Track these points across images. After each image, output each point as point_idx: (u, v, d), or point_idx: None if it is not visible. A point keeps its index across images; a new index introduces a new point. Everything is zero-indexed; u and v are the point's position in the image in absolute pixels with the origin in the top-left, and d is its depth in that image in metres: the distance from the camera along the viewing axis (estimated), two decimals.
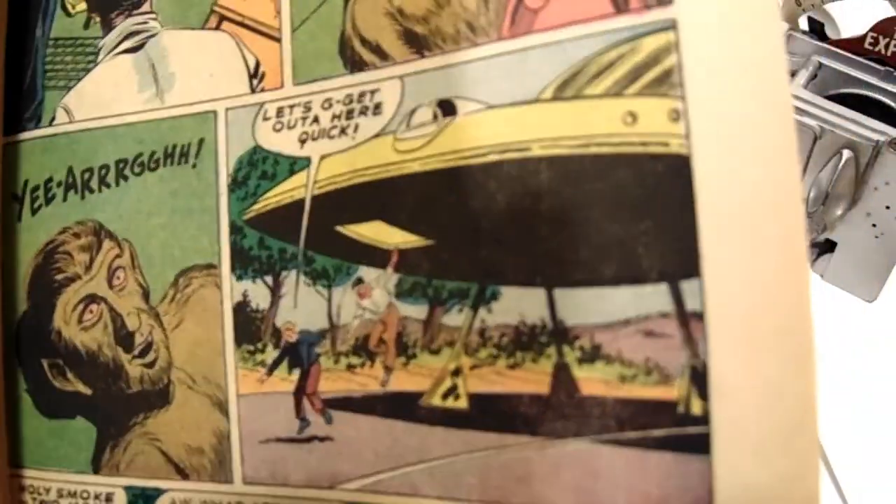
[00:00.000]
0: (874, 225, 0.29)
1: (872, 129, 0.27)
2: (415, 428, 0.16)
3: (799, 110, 0.27)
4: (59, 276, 0.20)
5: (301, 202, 0.17)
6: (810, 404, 0.13)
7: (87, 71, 0.20)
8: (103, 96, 0.20)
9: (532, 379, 0.15)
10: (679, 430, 0.13)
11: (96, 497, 0.19)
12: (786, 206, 0.13)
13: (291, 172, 0.17)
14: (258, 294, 0.18)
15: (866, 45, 0.29)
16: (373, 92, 0.17)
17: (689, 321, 0.13)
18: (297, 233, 0.17)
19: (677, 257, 0.14)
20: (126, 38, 0.19)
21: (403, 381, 0.16)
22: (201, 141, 0.18)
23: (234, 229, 0.18)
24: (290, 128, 0.17)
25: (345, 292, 0.17)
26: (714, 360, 0.13)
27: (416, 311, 0.16)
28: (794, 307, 0.13)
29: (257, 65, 0.18)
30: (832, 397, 0.28)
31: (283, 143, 0.17)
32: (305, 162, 0.17)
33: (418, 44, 0.16)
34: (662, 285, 0.14)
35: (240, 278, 0.18)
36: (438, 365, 0.16)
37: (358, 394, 0.16)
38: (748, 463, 0.13)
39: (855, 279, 0.31)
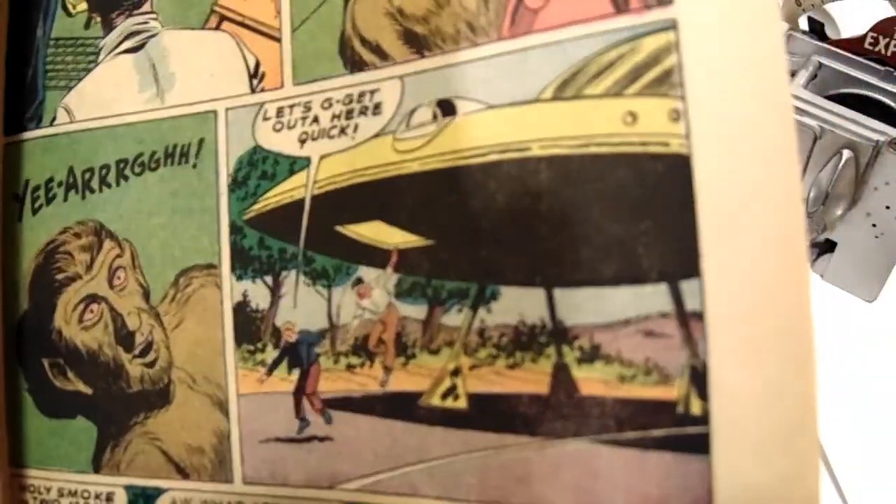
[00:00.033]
0: (874, 225, 0.29)
1: (872, 129, 0.27)
2: (414, 428, 0.16)
3: (799, 110, 0.27)
4: (60, 276, 0.20)
5: (301, 202, 0.17)
6: (810, 404, 0.13)
7: (88, 71, 0.20)
8: (104, 96, 0.20)
9: (531, 379, 0.15)
10: (678, 430, 0.14)
11: (97, 496, 0.19)
12: (786, 206, 0.13)
13: (291, 172, 0.17)
14: (258, 294, 0.18)
15: (866, 45, 0.29)
16: (372, 92, 0.17)
17: (689, 321, 0.13)
18: (296, 233, 0.17)
19: (677, 257, 0.14)
20: (126, 37, 0.19)
21: (403, 381, 0.16)
22: (201, 141, 0.18)
23: (235, 229, 0.18)
24: (289, 128, 0.17)
25: (344, 292, 0.17)
26: (714, 360, 0.13)
27: (416, 311, 0.16)
28: (794, 307, 0.13)
29: (257, 65, 0.18)
30: (832, 397, 0.28)
31: (283, 143, 0.17)
32: (305, 162, 0.17)
33: (418, 44, 0.16)
34: (662, 285, 0.14)
35: (240, 278, 0.18)
36: (438, 365, 0.16)
37: (357, 394, 0.16)
38: (748, 463, 0.13)
39: (855, 279, 0.31)
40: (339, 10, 0.17)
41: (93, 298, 0.19)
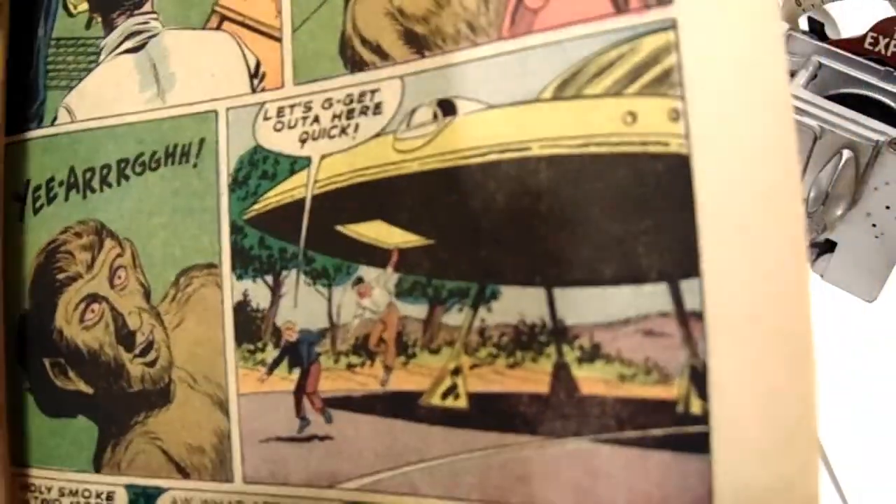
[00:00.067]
0: (874, 225, 0.29)
1: (872, 129, 0.27)
2: (414, 427, 0.16)
3: (799, 110, 0.27)
4: (61, 276, 0.20)
5: (301, 202, 0.17)
6: (810, 404, 0.13)
7: (89, 71, 0.20)
8: (105, 96, 0.20)
9: (532, 378, 0.15)
10: (678, 429, 0.14)
11: (98, 496, 0.19)
12: (785, 206, 0.13)
13: (292, 172, 0.17)
14: (258, 293, 0.18)
15: (866, 45, 0.29)
16: (373, 92, 0.17)
17: (689, 321, 0.13)
18: (297, 232, 0.17)
19: (677, 257, 0.14)
20: (127, 37, 0.20)
21: (403, 381, 0.16)
22: (202, 140, 0.18)
23: (235, 229, 0.18)
24: (290, 127, 0.17)
25: (345, 292, 0.17)
26: (713, 359, 0.13)
27: (416, 310, 0.16)
28: (794, 307, 0.13)
29: (258, 65, 0.18)
30: (832, 397, 0.28)
31: (284, 143, 0.17)
32: (306, 161, 0.17)
33: (418, 44, 0.16)
34: (662, 285, 0.14)
35: (240, 278, 0.18)
36: (438, 364, 0.16)
37: (358, 393, 0.16)
38: (748, 462, 0.13)
39: (855, 279, 0.31)
40: (340, 10, 0.17)
41: (94, 298, 0.20)
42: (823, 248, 0.31)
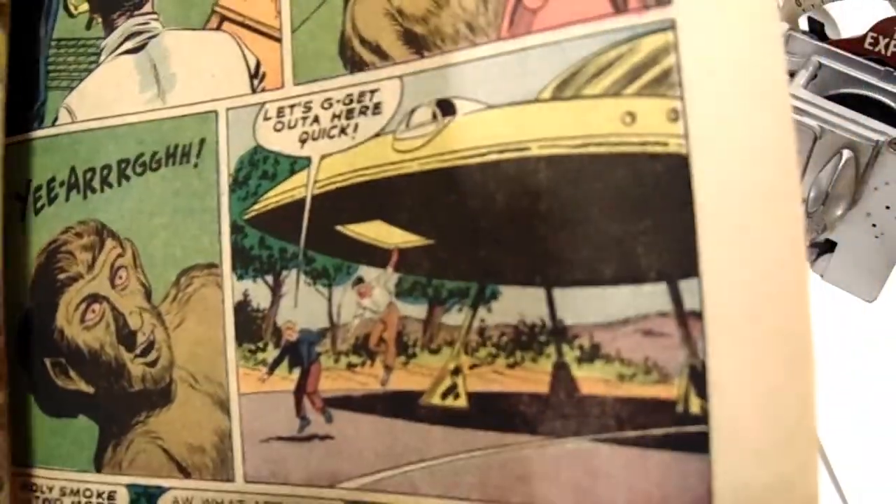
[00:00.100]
0: (874, 225, 0.29)
1: (872, 129, 0.27)
2: (415, 427, 0.16)
3: (799, 110, 0.27)
4: (62, 276, 0.20)
5: (301, 202, 0.17)
6: (809, 404, 0.13)
7: (90, 71, 0.20)
8: (105, 96, 0.20)
9: (531, 378, 0.15)
10: (678, 429, 0.14)
11: (99, 495, 0.19)
12: (785, 206, 0.13)
13: (292, 172, 0.17)
14: (259, 293, 0.18)
15: (866, 45, 0.29)
16: (372, 92, 0.17)
17: (688, 320, 0.13)
18: (297, 232, 0.17)
19: (676, 257, 0.14)
20: (128, 38, 0.20)
21: (403, 381, 0.16)
22: (202, 141, 0.18)
23: (235, 229, 0.18)
24: (290, 128, 0.17)
25: (345, 291, 0.17)
26: (713, 359, 0.13)
27: (416, 310, 0.16)
28: (793, 307, 0.13)
29: (258, 65, 0.18)
30: (832, 397, 0.28)
31: (284, 143, 0.18)
32: (306, 162, 0.17)
33: (418, 44, 0.16)
34: (661, 285, 0.14)
35: (241, 278, 0.18)
36: (438, 364, 0.16)
37: (358, 393, 0.17)
38: (747, 462, 0.13)
39: (855, 279, 0.31)
40: (339, 10, 0.17)
41: (94, 298, 0.20)
42: (823, 248, 0.31)
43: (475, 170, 0.15)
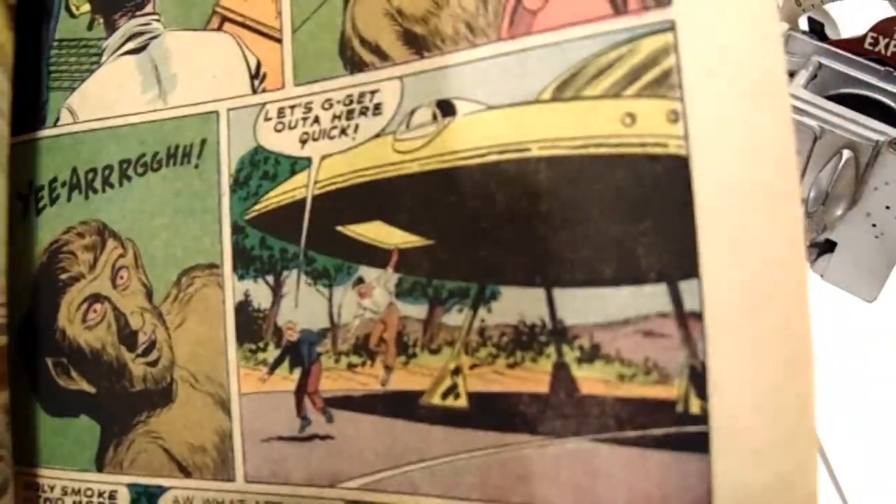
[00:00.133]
0: (874, 225, 0.29)
1: (872, 129, 0.27)
2: (415, 427, 0.16)
3: (799, 110, 0.27)
4: (64, 276, 0.20)
5: (302, 202, 0.17)
6: (808, 404, 0.13)
7: (91, 72, 0.20)
8: (107, 97, 0.20)
9: (531, 378, 0.15)
10: (678, 429, 0.14)
11: (100, 494, 0.19)
12: (784, 207, 0.13)
13: (292, 172, 0.17)
14: (260, 293, 0.18)
15: (866, 45, 0.29)
16: (373, 92, 0.17)
17: (688, 321, 0.14)
18: (298, 233, 0.17)
19: (676, 258, 0.14)
20: (129, 39, 0.20)
21: (404, 381, 0.16)
22: (203, 141, 0.18)
23: (236, 229, 0.18)
24: (291, 128, 0.17)
25: (345, 292, 0.17)
26: (712, 359, 0.13)
27: (417, 310, 0.16)
28: (793, 307, 0.13)
29: (259, 65, 0.18)
30: (832, 397, 0.28)
31: (285, 144, 0.18)
32: (306, 162, 0.17)
33: (418, 44, 0.16)
34: (661, 286, 0.14)
35: (241, 278, 0.18)
36: (438, 364, 0.16)
37: (358, 393, 0.17)
38: (747, 462, 0.13)
39: (855, 279, 0.31)
40: (339, 10, 0.17)
41: (96, 298, 0.20)
42: (823, 248, 0.31)
43: (475, 170, 0.15)
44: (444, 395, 0.16)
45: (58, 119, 0.20)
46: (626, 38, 0.14)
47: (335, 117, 0.17)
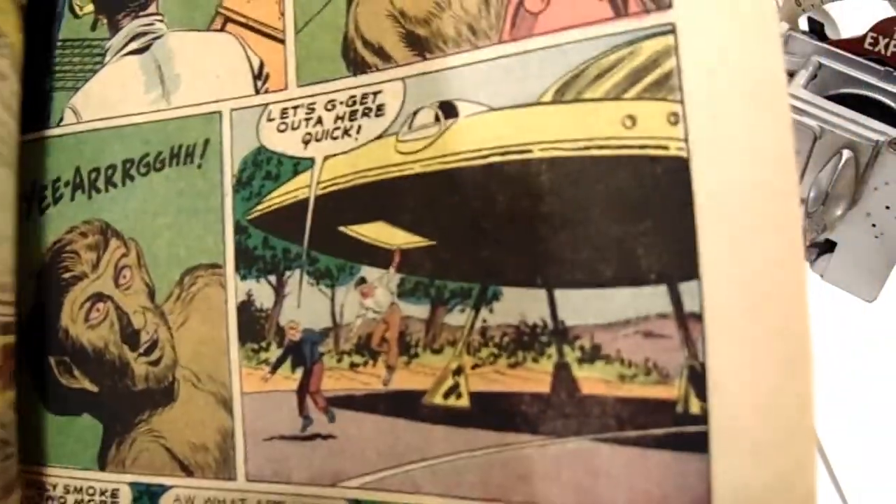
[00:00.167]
0: (874, 225, 0.29)
1: (872, 129, 0.27)
2: (417, 426, 0.16)
3: (799, 110, 0.27)
4: (67, 275, 0.20)
5: (305, 202, 0.17)
6: (807, 404, 0.13)
7: (95, 72, 0.20)
8: (110, 97, 0.20)
9: (533, 378, 0.15)
10: (678, 429, 0.14)
11: (102, 493, 0.19)
12: (783, 209, 0.13)
13: (295, 173, 0.17)
14: (262, 293, 0.18)
15: (866, 46, 0.29)
16: (375, 94, 0.17)
17: (688, 322, 0.14)
18: (300, 233, 0.17)
19: (676, 259, 0.14)
20: (132, 39, 0.20)
21: (406, 380, 0.16)
22: (206, 141, 0.18)
23: (239, 229, 0.18)
24: (293, 129, 0.18)
25: (348, 292, 0.17)
26: (712, 360, 0.13)
27: (419, 310, 0.16)
28: (792, 308, 0.13)
29: (262, 66, 0.18)
30: (832, 397, 0.28)
31: (287, 144, 0.18)
32: (309, 163, 0.17)
33: (420, 46, 0.16)
34: (661, 287, 0.14)
35: (244, 278, 0.18)
36: (440, 364, 0.16)
37: (360, 392, 0.17)
38: (746, 462, 0.13)
39: (855, 279, 0.31)
40: (342, 11, 0.17)
41: (99, 297, 0.20)
42: (823, 248, 0.31)
43: (477, 171, 0.15)
44: (446, 395, 0.16)
45: (61, 119, 0.20)
46: (627, 40, 0.14)
47: (338, 118, 0.17)
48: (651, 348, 0.14)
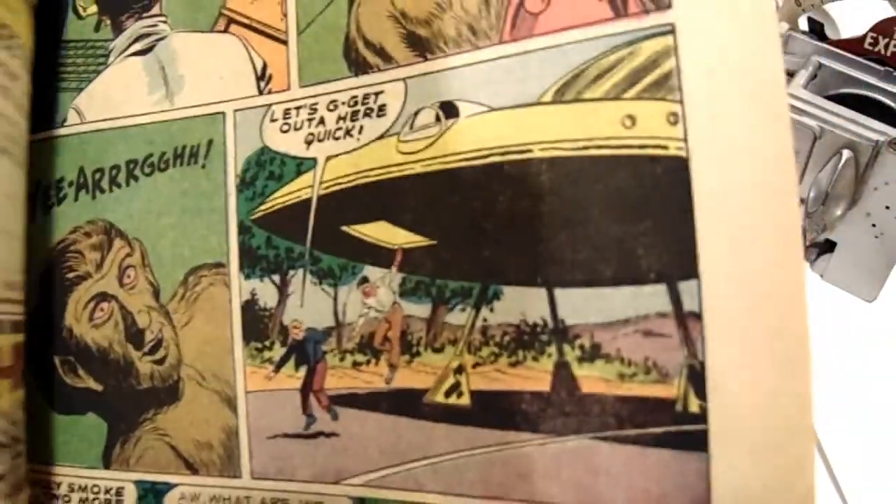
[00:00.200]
0: (874, 225, 0.29)
1: (872, 129, 0.27)
2: (418, 425, 0.16)
3: (798, 110, 0.28)
4: (71, 275, 0.20)
5: (307, 202, 0.17)
6: (806, 403, 0.13)
7: (98, 73, 0.20)
8: (114, 98, 0.20)
9: (533, 377, 0.15)
10: (677, 427, 0.14)
11: (107, 491, 0.20)
12: (782, 209, 0.13)
13: (298, 173, 0.18)
14: (266, 293, 0.18)
15: (866, 46, 0.29)
16: (377, 94, 0.17)
17: (687, 321, 0.14)
18: (303, 232, 0.17)
19: (675, 259, 0.14)
20: (136, 40, 0.20)
21: (407, 379, 0.16)
22: (210, 142, 0.19)
23: (243, 229, 0.18)
24: (296, 129, 0.18)
25: (350, 291, 0.17)
26: (711, 359, 0.13)
27: (420, 309, 0.16)
28: (790, 308, 0.13)
29: (264, 67, 0.18)
30: (832, 397, 0.28)
31: (290, 144, 0.18)
32: (312, 163, 0.17)
33: (421, 47, 0.16)
34: (661, 286, 0.14)
35: (248, 277, 0.18)
36: (442, 363, 0.16)
37: (363, 391, 0.17)
38: (745, 461, 0.13)
39: (855, 279, 0.31)
40: (344, 12, 0.17)
41: (103, 297, 0.20)
42: (823, 248, 0.31)
43: (478, 171, 0.16)
44: (448, 394, 0.16)
45: (65, 119, 0.20)
46: (627, 40, 0.14)
47: (340, 118, 0.17)
48: (650, 347, 0.14)
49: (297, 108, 0.18)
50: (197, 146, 0.19)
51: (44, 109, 0.21)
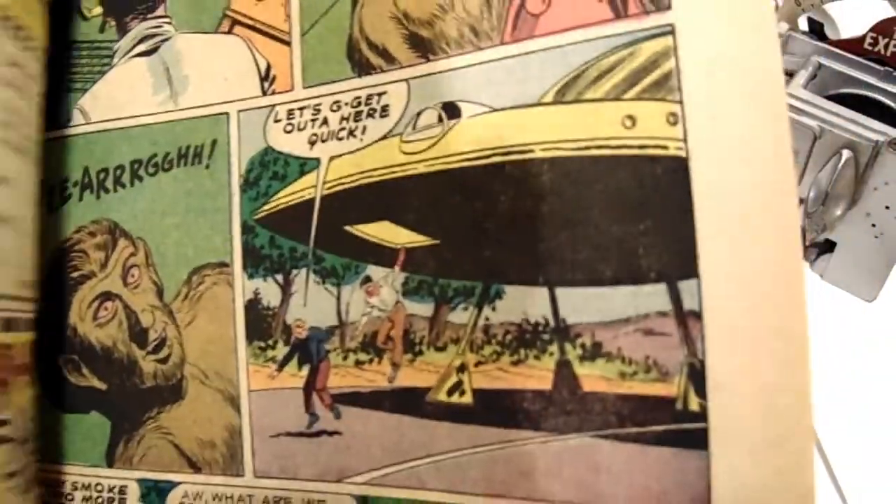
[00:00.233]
0: (874, 225, 0.29)
1: (872, 129, 0.27)
2: (421, 423, 0.16)
3: (798, 110, 0.28)
4: (75, 274, 0.20)
5: (311, 202, 0.17)
6: (806, 401, 0.13)
7: (103, 73, 0.20)
8: (118, 98, 0.20)
9: (535, 375, 0.15)
10: (677, 426, 0.14)
11: (110, 490, 0.20)
12: (781, 208, 0.13)
13: (301, 173, 0.18)
14: (269, 292, 0.18)
15: (866, 46, 0.29)
16: (380, 95, 0.17)
17: (687, 320, 0.14)
18: (307, 232, 0.17)
19: (675, 258, 0.14)
20: (140, 41, 0.20)
21: (410, 378, 0.16)
22: (214, 142, 0.19)
23: (246, 229, 0.18)
24: (300, 129, 0.18)
25: (353, 290, 0.17)
26: (711, 358, 0.14)
27: (423, 308, 0.16)
28: (790, 307, 0.13)
29: (268, 68, 0.18)
30: (832, 397, 0.28)
31: (294, 145, 0.18)
32: (315, 163, 0.18)
33: (423, 48, 0.16)
34: (661, 285, 0.14)
35: (251, 276, 0.18)
36: (444, 361, 0.16)
37: (366, 389, 0.17)
38: (745, 459, 0.13)
39: (855, 279, 0.31)
40: (347, 13, 0.17)
41: (107, 296, 0.20)
42: (823, 248, 0.31)
43: (480, 171, 0.16)
44: (450, 392, 0.16)
45: (70, 119, 0.20)
46: (627, 41, 0.14)
47: (343, 119, 0.17)
48: (651, 346, 0.14)
49: (301, 108, 0.18)
50: (201, 146, 0.19)
51: (49, 110, 0.21)
